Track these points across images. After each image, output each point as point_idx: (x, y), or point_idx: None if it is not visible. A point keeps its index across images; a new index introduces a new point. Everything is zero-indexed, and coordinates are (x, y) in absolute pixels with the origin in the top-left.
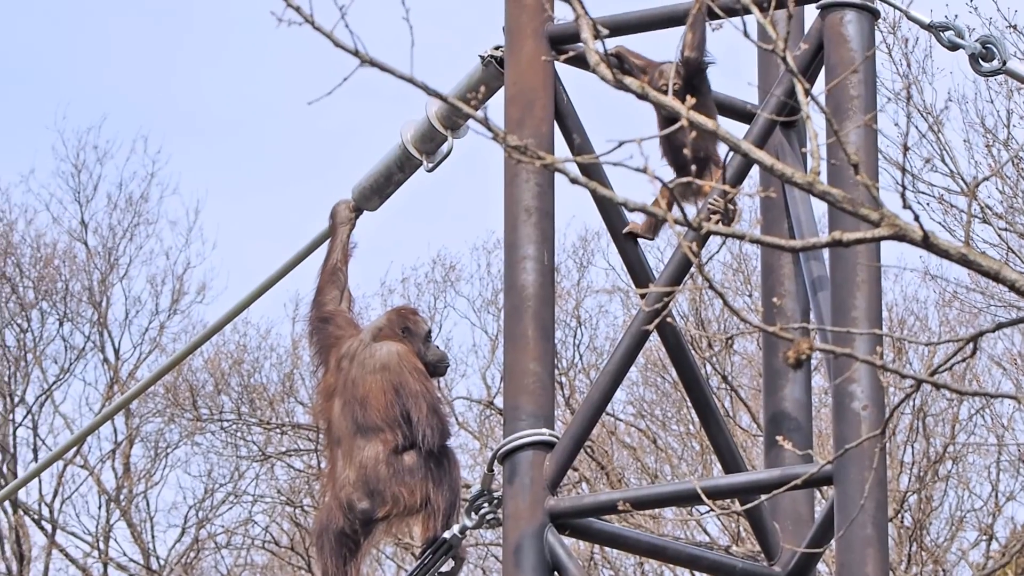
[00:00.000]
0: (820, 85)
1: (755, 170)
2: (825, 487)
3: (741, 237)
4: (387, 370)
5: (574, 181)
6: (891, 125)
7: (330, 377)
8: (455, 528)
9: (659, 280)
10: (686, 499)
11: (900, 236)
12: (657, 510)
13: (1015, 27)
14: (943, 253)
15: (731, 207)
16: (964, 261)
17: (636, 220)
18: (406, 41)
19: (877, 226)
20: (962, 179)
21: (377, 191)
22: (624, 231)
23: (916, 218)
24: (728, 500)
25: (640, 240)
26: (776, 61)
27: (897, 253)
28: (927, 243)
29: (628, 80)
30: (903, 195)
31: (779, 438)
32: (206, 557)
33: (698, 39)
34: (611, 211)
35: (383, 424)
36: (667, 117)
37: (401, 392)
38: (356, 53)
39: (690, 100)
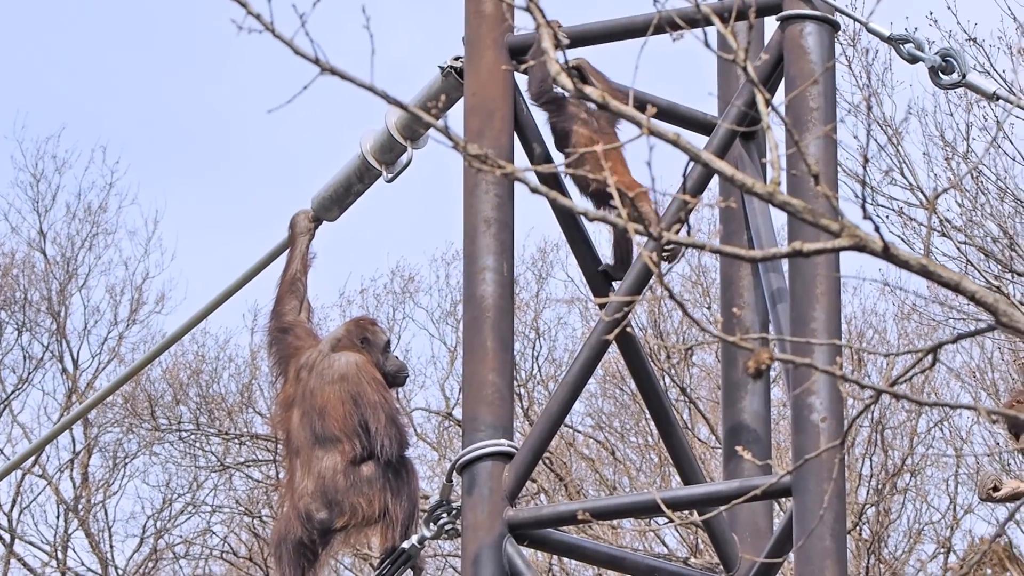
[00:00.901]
0: (780, 96)
1: (714, 182)
2: (784, 499)
3: (701, 247)
4: (345, 380)
5: (534, 190)
6: (850, 138)
7: (289, 387)
8: (414, 538)
9: (619, 290)
10: (646, 510)
11: (861, 247)
12: (616, 521)
13: (975, 40)
14: (904, 264)
15: (670, 252)
16: (924, 272)
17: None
18: (367, 51)
19: (838, 236)
20: (921, 192)
21: (336, 201)
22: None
23: (876, 229)
24: (687, 512)
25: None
26: (736, 72)
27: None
28: (888, 254)
29: (589, 90)
30: (863, 206)
31: (739, 448)
32: (164, 567)
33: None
34: (570, 222)
35: (341, 435)
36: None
37: (359, 402)
38: (316, 61)
39: (651, 109)
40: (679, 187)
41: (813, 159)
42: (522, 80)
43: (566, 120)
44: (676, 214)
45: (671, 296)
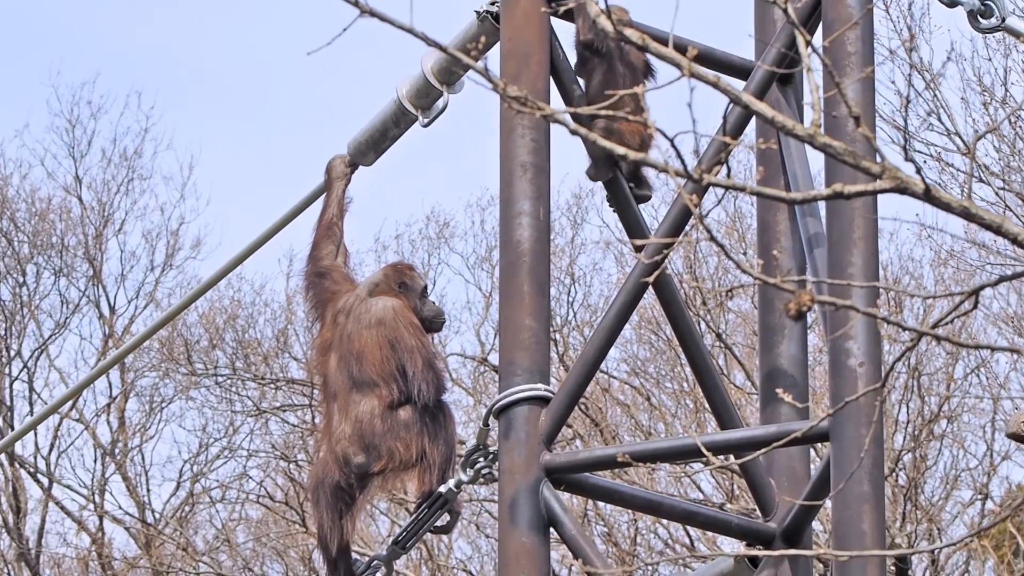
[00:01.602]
0: (817, 41)
1: (750, 128)
2: (821, 444)
3: (742, 189)
4: (383, 325)
5: (574, 132)
6: (886, 85)
7: (326, 332)
8: (450, 483)
9: (657, 232)
10: (684, 454)
11: (902, 189)
12: (651, 468)
13: None
14: (945, 206)
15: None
16: (966, 214)
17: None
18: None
19: (878, 178)
20: (959, 137)
21: (372, 146)
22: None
23: (918, 171)
24: (723, 456)
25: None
26: (773, 16)
27: (892, 212)
28: (929, 196)
29: (629, 32)
30: (905, 148)
31: (779, 391)
32: (201, 511)
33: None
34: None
35: (379, 379)
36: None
37: (397, 347)
38: (356, 3)
39: (691, 51)
40: (718, 129)
41: (853, 102)
42: (558, 24)
43: (602, 72)
44: (716, 156)
45: (710, 238)
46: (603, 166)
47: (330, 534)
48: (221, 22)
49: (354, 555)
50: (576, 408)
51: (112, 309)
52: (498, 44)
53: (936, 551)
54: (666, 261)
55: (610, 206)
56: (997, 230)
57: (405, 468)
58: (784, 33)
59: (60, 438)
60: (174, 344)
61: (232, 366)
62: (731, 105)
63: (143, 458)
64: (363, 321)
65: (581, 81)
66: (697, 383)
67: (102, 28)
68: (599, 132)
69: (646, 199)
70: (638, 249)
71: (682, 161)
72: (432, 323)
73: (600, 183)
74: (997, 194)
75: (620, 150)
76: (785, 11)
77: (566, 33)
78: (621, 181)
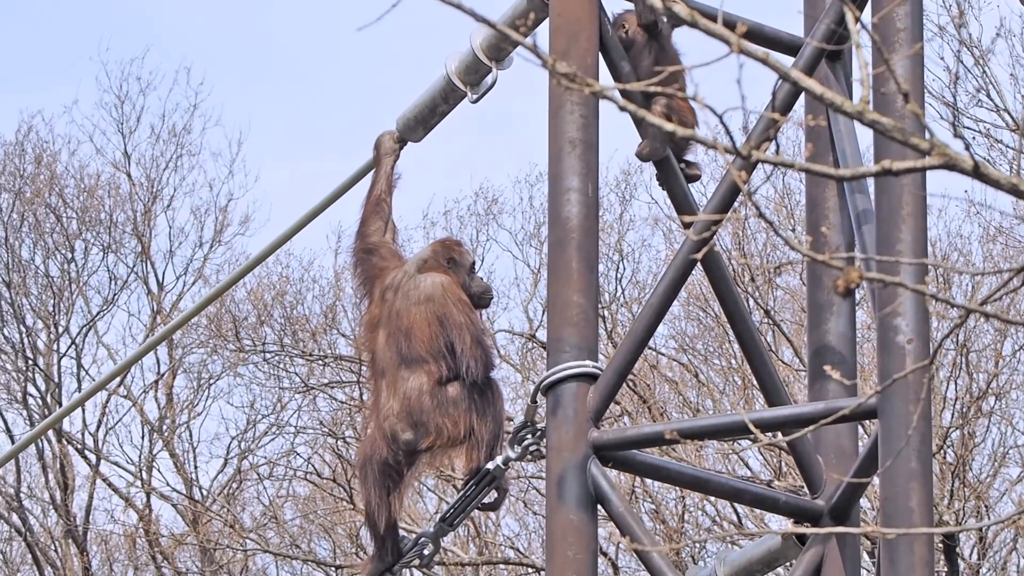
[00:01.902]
0: (867, 17)
1: (799, 104)
2: (869, 421)
3: (790, 166)
4: (431, 301)
5: (623, 109)
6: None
7: (374, 308)
8: (498, 459)
9: (706, 209)
10: (732, 431)
11: (950, 165)
12: (699, 446)
13: None
14: (993, 183)
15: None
16: (1015, 191)
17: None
18: None
19: (927, 155)
20: (1008, 114)
21: (421, 122)
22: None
23: (967, 147)
24: (771, 433)
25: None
26: None
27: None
28: (977, 172)
29: (678, 7)
30: (954, 124)
31: (827, 367)
32: (248, 488)
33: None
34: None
35: (427, 355)
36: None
37: (445, 323)
38: None
39: (740, 27)
40: (767, 106)
41: (902, 78)
42: (607, 0)
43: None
44: (764, 132)
45: (759, 214)
46: (658, 145)
47: (378, 511)
48: None
49: (401, 532)
50: (624, 385)
51: (160, 285)
52: (547, 20)
53: (984, 528)
54: (715, 238)
55: (660, 184)
56: None
57: (453, 445)
58: (833, 9)
59: (108, 415)
60: (222, 320)
61: (280, 342)
62: (780, 81)
63: (191, 435)
64: (412, 298)
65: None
66: (745, 360)
67: (151, 3)
68: (659, 113)
69: (696, 178)
70: (687, 226)
71: (731, 138)
72: (480, 299)
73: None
74: None
75: (669, 126)
76: None
77: (616, 9)
78: (671, 158)
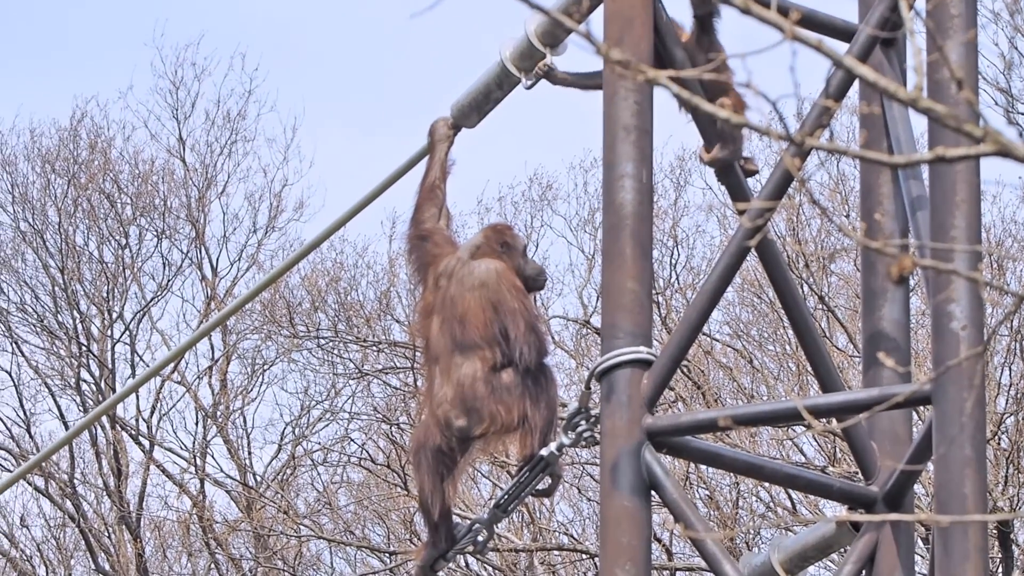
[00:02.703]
0: (921, 3)
1: (853, 90)
2: (923, 407)
3: (844, 153)
4: (485, 287)
5: (677, 96)
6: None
7: (429, 295)
8: (552, 446)
9: (760, 195)
10: (786, 418)
11: (1004, 152)
12: (753, 431)
13: None
14: None
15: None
16: None
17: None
18: None
19: (980, 142)
20: None
21: (476, 108)
22: (705, 160)
23: (1021, 134)
24: (827, 419)
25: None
26: None
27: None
28: None
29: None
30: (1007, 111)
31: (881, 354)
32: (302, 474)
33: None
34: (710, 129)
35: (481, 342)
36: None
37: (499, 309)
38: None
39: (794, 14)
40: (821, 92)
41: (955, 65)
42: None
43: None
44: (818, 119)
45: (812, 201)
46: (726, 152)
47: (432, 497)
48: None
49: (455, 518)
50: (678, 371)
51: (214, 271)
52: (601, 7)
53: None
54: (769, 224)
55: (718, 179)
56: None
57: (507, 431)
58: None
59: (162, 401)
60: (276, 306)
61: (334, 328)
62: (834, 68)
63: (245, 421)
64: (466, 284)
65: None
66: (800, 346)
67: None
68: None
69: (754, 173)
70: (740, 212)
71: (784, 125)
72: (534, 281)
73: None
74: None
75: (723, 114)
76: None
77: None
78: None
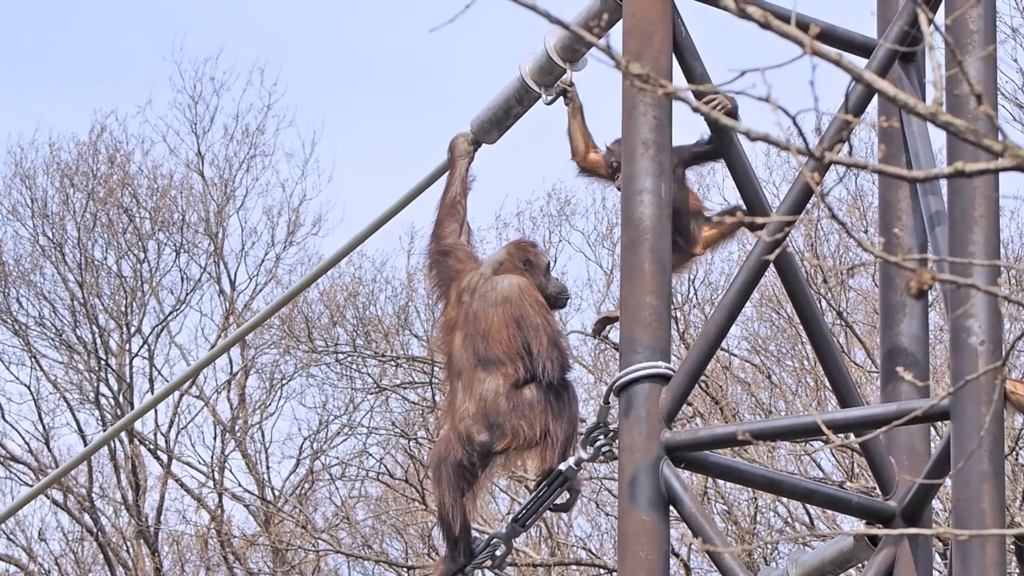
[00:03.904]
0: (940, 19)
1: (872, 105)
2: (942, 422)
3: (863, 167)
4: (508, 303)
5: (695, 110)
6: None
7: (451, 311)
8: (571, 460)
9: (779, 210)
10: (805, 432)
11: (1023, 167)
12: (771, 447)
13: None
14: None
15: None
16: None
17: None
18: None
19: (1000, 157)
20: None
21: (495, 124)
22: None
23: None
24: (843, 435)
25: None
26: None
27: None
28: None
29: (751, 9)
30: None
31: (899, 369)
32: (320, 488)
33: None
34: (728, 144)
35: (505, 357)
36: None
37: (522, 325)
38: None
39: (814, 29)
40: (840, 107)
41: (975, 80)
42: (680, 1)
43: None
44: (837, 134)
45: (832, 215)
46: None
47: (452, 512)
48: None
49: (473, 533)
50: (696, 386)
51: (233, 286)
52: (620, 21)
53: None
54: (787, 239)
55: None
56: None
57: (528, 447)
58: (906, 11)
59: (180, 415)
60: (295, 321)
61: (353, 343)
62: (853, 83)
63: (263, 435)
64: (489, 299)
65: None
66: (818, 361)
67: (225, 3)
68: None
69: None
70: (755, 228)
71: (804, 139)
72: (556, 300)
73: (721, 161)
74: None
75: (742, 127)
76: None
77: (688, 10)
78: (743, 157)
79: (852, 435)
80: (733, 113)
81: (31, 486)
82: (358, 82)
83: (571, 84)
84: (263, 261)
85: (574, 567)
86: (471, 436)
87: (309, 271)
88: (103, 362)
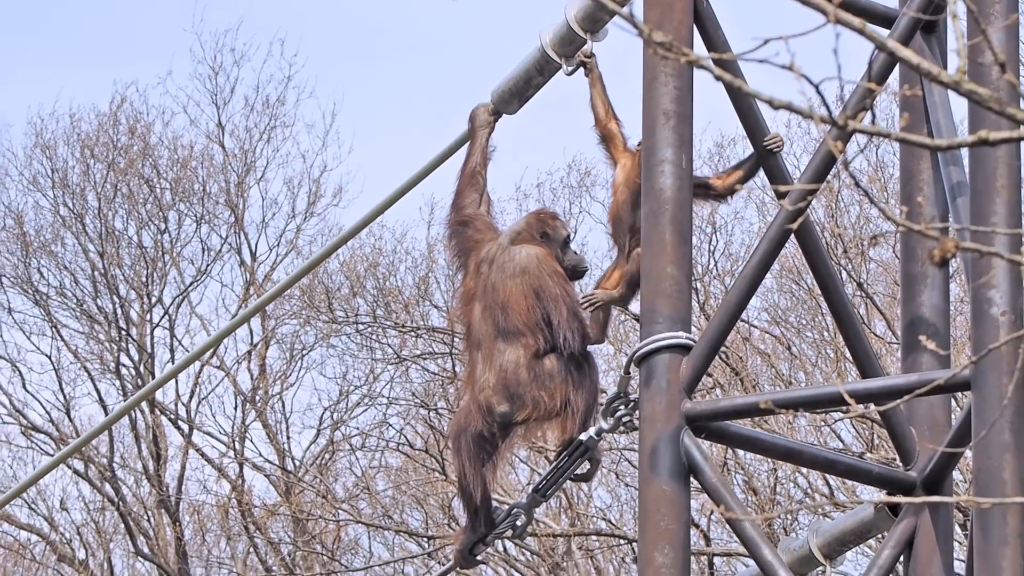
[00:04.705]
0: None
1: (893, 77)
2: (962, 393)
3: (886, 136)
4: (527, 274)
5: (718, 78)
6: None
7: (470, 281)
8: (591, 431)
9: (801, 178)
10: (827, 402)
11: None
12: (791, 418)
13: None
14: None
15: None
16: None
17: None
18: None
19: (1023, 125)
20: None
21: (516, 95)
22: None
23: None
24: (864, 405)
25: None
26: None
27: None
28: None
29: None
30: None
31: (922, 338)
32: (340, 459)
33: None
34: (750, 114)
35: (524, 328)
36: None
37: (541, 296)
38: None
39: None
40: (863, 76)
41: (998, 49)
42: None
43: None
44: (860, 102)
45: (855, 183)
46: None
47: (471, 483)
48: None
49: (494, 503)
50: (716, 357)
51: (253, 256)
52: None
53: None
54: (809, 208)
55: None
56: None
57: (548, 417)
58: None
59: (201, 385)
60: (315, 292)
61: (373, 314)
62: (876, 52)
63: (283, 405)
64: (507, 270)
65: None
66: (838, 332)
67: None
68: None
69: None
70: (780, 196)
71: (827, 108)
72: (574, 271)
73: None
74: None
75: (765, 96)
76: None
77: None
78: (764, 127)
79: (873, 405)
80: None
81: (52, 456)
82: (378, 53)
83: (591, 55)
84: (283, 232)
85: (594, 537)
86: (491, 407)
87: (329, 242)
88: (124, 332)
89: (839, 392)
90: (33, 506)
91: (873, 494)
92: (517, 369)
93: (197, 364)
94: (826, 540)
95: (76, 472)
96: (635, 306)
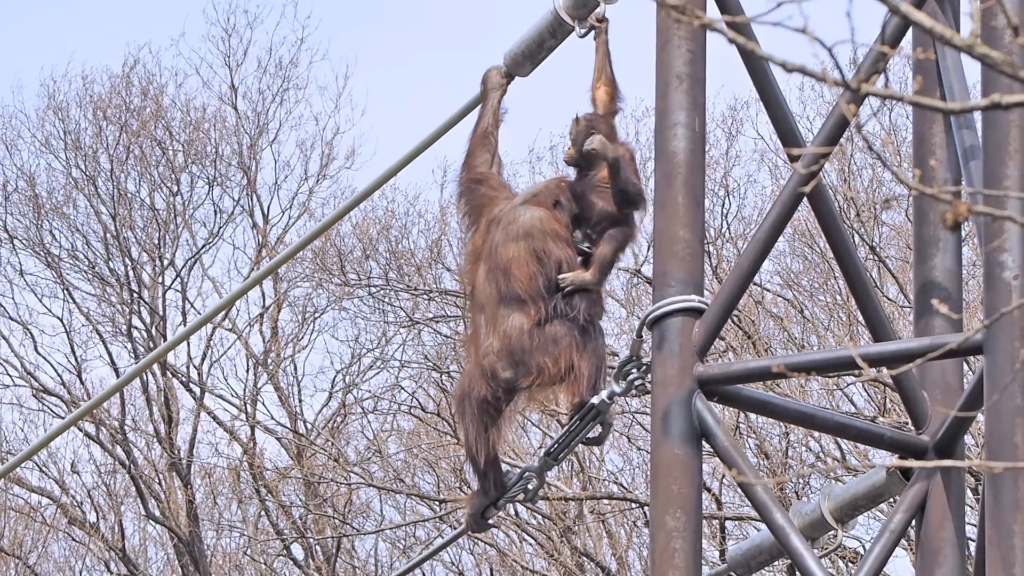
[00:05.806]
0: None
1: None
2: (975, 357)
3: (900, 99)
4: (530, 237)
5: (731, 41)
6: None
7: (477, 239)
8: (603, 394)
9: (814, 141)
10: (840, 366)
11: None
12: (803, 382)
13: None
14: None
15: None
16: None
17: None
18: None
19: None
20: None
21: (529, 57)
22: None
23: None
24: (877, 369)
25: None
26: None
27: None
28: None
29: None
30: None
31: (934, 301)
32: (352, 422)
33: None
34: (763, 77)
35: (526, 295)
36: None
37: (544, 261)
38: None
39: None
40: (876, 39)
41: (1011, 12)
42: None
43: None
44: (873, 66)
45: (868, 147)
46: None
47: (477, 446)
48: None
49: (506, 467)
50: (729, 320)
51: (266, 219)
52: None
53: None
54: (822, 171)
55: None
56: None
57: (553, 382)
58: None
59: (213, 348)
60: (327, 254)
61: (385, 277)
62: (889, 15)
63: (295, 368)
64: (510, 232)
65: None
66: (850, 296)
67: None
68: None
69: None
70: (793, 159)
71: (840, 71)
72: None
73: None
74: None
75: (778, 59)
76: None
77: None
78: (778, 90)
79: (885, 369)
80: None
81: (63, 418)
82: (391, 15)
83: (604, 18)
84: (296, 194)
85: (606, 501)
86: (495, 372)
87: (342, 204)
88: (136, 295)
89: (851, 356)
90: (44, 469)
91: (885, 458)
92: (521, 336)
93: (209, 327)
94: (838, 504)
95: (87, 435)
96: (648, 269)
